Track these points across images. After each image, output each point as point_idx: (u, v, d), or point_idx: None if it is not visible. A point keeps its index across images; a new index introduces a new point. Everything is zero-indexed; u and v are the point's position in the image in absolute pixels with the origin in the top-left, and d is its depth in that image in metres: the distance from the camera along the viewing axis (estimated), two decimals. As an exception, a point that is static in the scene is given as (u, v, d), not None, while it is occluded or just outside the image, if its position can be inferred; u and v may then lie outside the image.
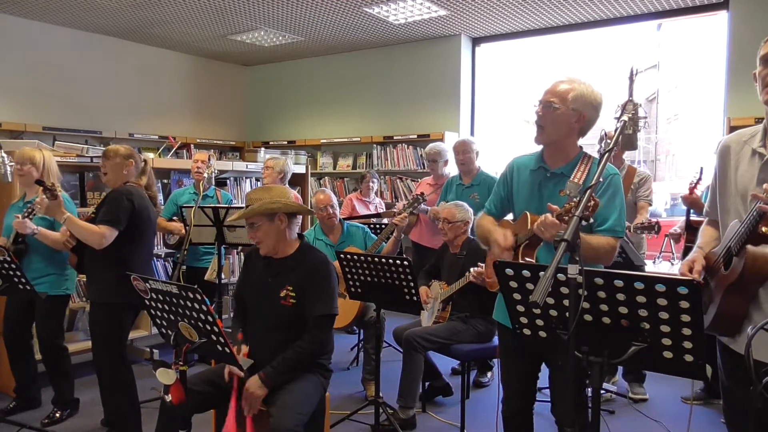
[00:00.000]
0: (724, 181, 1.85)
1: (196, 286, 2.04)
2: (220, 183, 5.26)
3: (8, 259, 2.91)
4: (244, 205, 2.66)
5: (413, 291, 3.02)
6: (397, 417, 3.39)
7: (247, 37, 6.63)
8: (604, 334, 1.58)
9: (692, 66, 23.74)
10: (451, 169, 4.88)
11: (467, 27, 6.23)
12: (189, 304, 2.09)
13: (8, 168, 3.63)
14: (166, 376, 2.09)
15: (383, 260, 3.01)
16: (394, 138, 6.83)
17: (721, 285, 1.74)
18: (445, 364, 4.08)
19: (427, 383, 3.78)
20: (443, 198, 4.46)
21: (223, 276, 4.17)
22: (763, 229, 1.62)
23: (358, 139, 7.14)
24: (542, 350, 2.12)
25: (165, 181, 4.99)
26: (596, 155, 2.15)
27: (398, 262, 2.98)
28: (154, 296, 2.21)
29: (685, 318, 1.46)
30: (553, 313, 1.67)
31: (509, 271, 1.68)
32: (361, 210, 5.66)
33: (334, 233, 4.09)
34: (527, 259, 2.12)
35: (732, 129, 4.57)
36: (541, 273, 1.46)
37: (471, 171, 4.43)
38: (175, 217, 4.48)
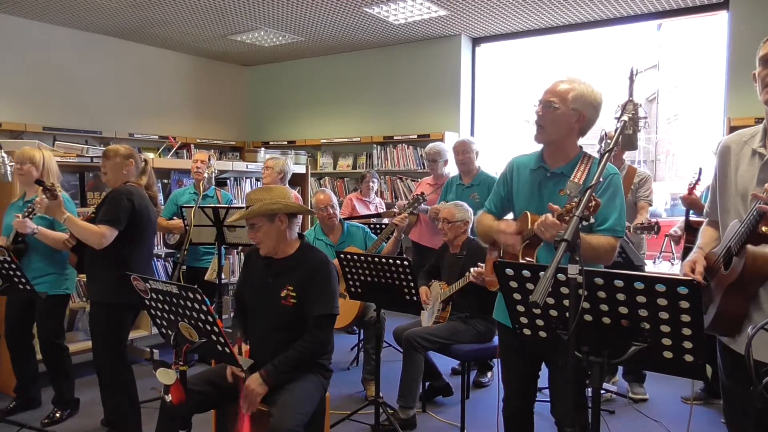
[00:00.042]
0: (724, 181, 1.85)
1: (196, 286, 2.05)
2: (220, 183, 5.26)
3: (8, 258, 2.91)
4: (244, 205, 2.66)
5: (413, 291, 3.02)
6: (397, 417, 3.39)
7: (247, 37, 6.63)
8: (604, 334, 1.58)
9: (692, 66, 23.74)
10: (451, 169, 4.88)
11: (467, 27, 6.23)
12: (189, 304, 2.09)
13: (8, 168, 3.64)
14: (166, 376, 2.09)
15: (383, 260, 3.01)
16: (394, 138, 6.83)
17: (721, 285, 1.74)
18: (445, 364, 4.08)
19: (427, 383, 3.78)
20: (443, 198, 4.46)
21: (223, 276, 4.17)
22: (763, 228, 1.62)
23: (358, 139, 7.14)
24: (542, 350, 2.12)
25: (165, 181, 4.99)
26: (596, 155, 2.15)
27: (398, 262, 2.98)
28: (154, 296, 2.21)
29: (685, 318, 1.46)
30: (553, 313, 1.67)
31: (509, 271, 1.68)
32: (361, 210, 5.66)
33: (335, 233, 4.09)
34: (527, 258, 2.12)
35: (732, 129, 4.57)
36: (541, 273, 1.46)
37: (471, 171, 4.43)
38: (175, 217, 4.48)
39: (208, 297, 2.38)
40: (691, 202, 3.79)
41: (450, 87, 6.61)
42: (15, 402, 3.59)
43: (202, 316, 2.09)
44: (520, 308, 1.73)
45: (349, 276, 3.16)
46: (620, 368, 4.07)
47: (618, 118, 1.83)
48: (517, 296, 1.71)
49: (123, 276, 2.44)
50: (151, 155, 5.33)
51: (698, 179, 3.80)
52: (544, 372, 2.33)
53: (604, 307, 1.56)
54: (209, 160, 4.42)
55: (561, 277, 1.54)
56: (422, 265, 4.01)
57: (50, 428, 3.38)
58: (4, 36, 5.88)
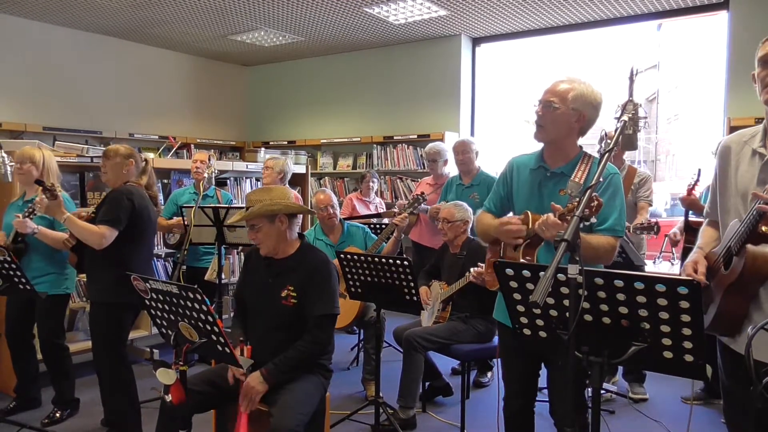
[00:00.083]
0: (725, 181, 1.85)
1: (196, 286, 2.05)
2: (220, 183, 5.26)
3: (8, 258, 2.91)
4: (244, 205, 2.66)
5: (413, 291, 3.02)
6: (397, 417, 3.39)
7: (247, 37, 6.63)
8: (604, 334, 1.58)
9: (692, 66, 23.73)
10: (451, 169, 4.88)
11: (467, 27, 6.23)
12: (189, 304, 2.09)
13: (8, 168, 3.64)
14: (166, 376, 2.09)
15: (383, 260, 3.01)
16: (394, 138, 6.83)
17: (721, 285, 1.74)
18: (445, 364, 4.08)
19: (427, 383, 3.78)
20: (443, 198, 4.46)
21: (223, 276, 4.17)
22: (763, 228, 1.62)
23: (358, 139, 7.14)
24: (542, 350, 2.12)
25: (165, 181, 4.99)
26: (596, 155, 2.15)
27: (398, 262, 2.98)
28: (154, 296, 2.21)
29: (685, 318, 1.46)
30: (553, 313, 1.67)
31: (509, 271, 1.68)
32: (361, 210, 5.66)
33: (335, 233, 4.09)
34: (527, 258, 2.12)
35: (732, 129, 4.57)
36: (541, 273, 1.46)
37: (471, 171, 4.43)
38: (175, 217, 4.48)
39: (208, 297, 2.39)
40: (690, 203, 3.79)
41: (450, 87, 6.61)
42: (15, 402, 3.59)
43: (202, 316, 2.09)
44: (520, 308, 1.73)
45: (349, 276, 3.16)
46: (620, 368, 4.07)
47: (618, 118, 1.83)
48: (517, 296, 1.71)
49: (123, 276, 2.44)
50: (151, 155, 5.32)
51: (697, 180, 3.81)
52: (544, 371, 2.33)
53: (604, 307, 1.56)
54: (209, 160, 4.42)
55: (561, 277, 1.54)
56: (422, 265, 4.01)
57: (50, 428, 3.38)
58: (4, 36, 5.88)
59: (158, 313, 2.26)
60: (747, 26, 4.90)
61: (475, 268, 3.22)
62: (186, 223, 3.99)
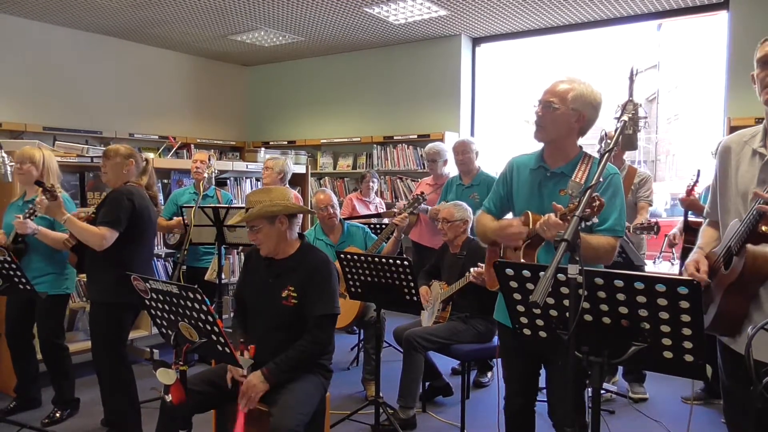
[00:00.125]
0: (725, 181, 1.85)
1: (196, 286, 2.05)
2: (220, 183, 5.26)
3: (8, 258, 2.91)
4: (243, 205, 2.66)
5: (413, 291, 3.02)
6: (398, 417, 3.39)
7: (247, 37, 6.63)
8: (604, 334, 1.58)
9: (692, 66, 23.73)
10: (451, 169, 4.89)
11: (467, 27, 6.23)
12: (189, 304, 2.09)
13: (8, 168, 3.64)
14: (166, 376, 2.09)
15: (383, 260, 3.01)
16: (394, 138, 6.83)
17: (722, 285, 1.74)
18: (445, 364, 4.08)
19: (427, 383, 3.78)
20: (443, 198, 4.46)
21: (223, 276, 4.17)
22: (763, 228, 1.62)
23: (358, 139, 7.14)
24: (542, 350, 2.12)
25: (165, 181, 5.00)
26: (596, 155, 2.15)
27: (398, 262, 2.98)
28: (155, 296, 2.21)
29: (685, 318, 1.46)
30: (554, 313, 1.67)
31: (509, 271, 1.68)
32: (362, 210, 5.66)
33: (335, 233, 4.09)
34: (528, 259, 2.12)
35: (732, 129, 4.57)
36: (541, 273, 1.46)
37: (471, 171, 4.43)
38: (175, 217, 4.48)
39: (208, 297, 2.38)
40: (689, 204, 3.79)
41: (450, 87, 6.61)
42: (15, 402, 3.59)
43: (202, 316, 2.09)
44: (520, 308, 1.73)
45: (349, 276, 3.16)
46: (620, 368, 4.07)
47: (618, 118, 1.83)
48: (517, 296, 1.71)
49: (123, 276, 2.44)
50: (151, 155, 5.33)
51: (696, 181, 3.81)
52: (544, 371, 2.33)
53: (604, 307, 1.56)
54: (209, 160, 4.42)
55: (561, 277, 1.54)
56: (422, 265, 4.01)
57: (50, 428, 3.38)
58: (4, 36, 5.88)
59: (158, 313, 2.26)
60: (747, 26, 4.90)
61: (475, 268, 3.22)
62: (186, 222, 3.99)
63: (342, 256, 3.13)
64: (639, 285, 1.47)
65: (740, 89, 4.86)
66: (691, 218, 3.85)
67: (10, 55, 5.94)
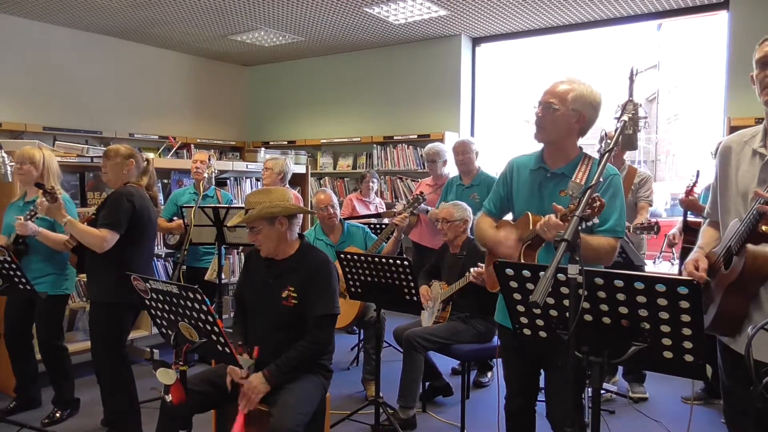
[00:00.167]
0: (725, 181, 1.85)
1: (196, 286, 2.05)
2: (220, 183, 5.26)
3: (8, 258, 2.91)
4: (243, 206, 2.66)
5: (413, 291, 3.02)
6: (398, 417, 3.39)
7: (247, 37, 6.63)
8: (604, 334, 1.58)
9: (692, 66, 23.74)
10: (451, 170, 4.88)
11: (467, 27, 6.23)
12: (189, 304, 2.09)
13: (8, 168, 3.64)
14: (166, 376, 2.09)
15: (383, 260, 3.01)
16: (394, 138, 6.83)
17: (722, 284, 1.74)
18: (445, 364, 4.08)
19: (427, 383, 3.78)
20: (443, 198, 4.46)
21: (223, 276, 4.17)
22: (763, 228, 1.62)
23: (358, 139, 7.14)
24: (542, 350, 2.12)
25: (165, 181, 5.00)
26: (596, 155, 2.15)
27: (398, 262, 2.98)
28: (155, 296, 2.21)
29: (685, 318, 1.46)
30: (554, 313, 1.67)
31: (509, 271, 1.68)
32: (361, 210, 5.66)
33: (335, 233, 4.09)
34: (528, 260, 2.12)
35: (732, 129, 4.57)
36: (541, 273, 1.46)
37: (471, 171, 4.43)
38: (175, 218, 4.48)
39: (208, 297, 2.38)
40: (689, 204, 3.80)
41: (450, 87, 6.61)
42: (15, 402, 3.59)
43: (202, 316, 2.09)
44: (521, 308, 1.73)
45: (349, 276, 3.16)
46: (620, 368, 4.07)
47: (618, 118, 1.83)
48: (517, 296, 1.71)
49: (123, 276, 2.44)
50: (151, 155, 5.33)
51: (696, 181, 3.81)
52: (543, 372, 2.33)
53: (604, 307, 1.56)
54: (209, 160, 4.42)
55: (561, 277, 1.54)
56: (423, 265, 4.01)
57: (50, 428, 3.38)
58: (4, 36, 5.88)
59: (158, 313, 2.26)
60: (747, 26, 4.90)
61: (475, 268, 3.22)
62: (186, 223, 3.99)
63: (342, 256, 3.13)
64: (639, 285, 1.47)
65: (740, 89, 4.86)
66: (691, 218, 3.86)
67: (10, 55, 5.94)
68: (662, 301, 1.46)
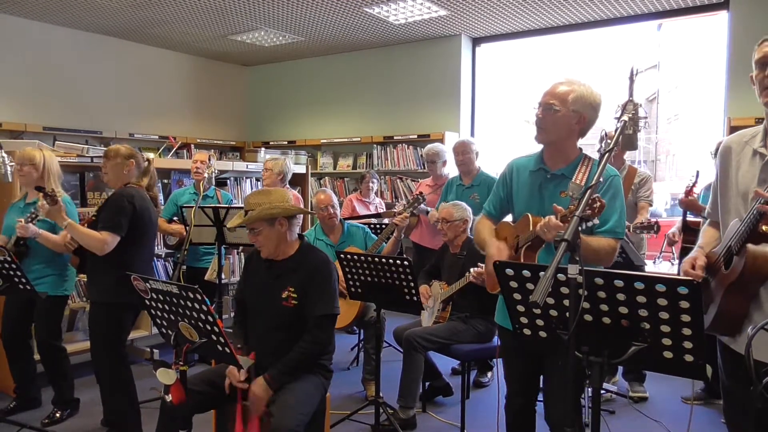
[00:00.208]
0: (726, 181, 1.85)
1: (196, 286, 2.05)
2: (221, 183, 5.26)
3: (8, 259, 2.91)
4: (243, 206, 2.66)
5: (413, 291, 3.02)
6: (398, 417, 3.39)
7: (247, 37, 6.63)
8: (604, 334, 1.58)
9: (692, 66, 23.75)
10: (451, 170, 4.88)
11: (467, 27, 6.23)
12: (189, 304, 2.09)
13: (8, 168, 3.64)
14: (166, 376, 2.10)
15: (383, 260, 3.01)
16: (394, 138, 6.83)
17: (722, 284, 1.74)
18: (445, 364, 4.08)
19: (427, 383, 3.78)
20: (443, 199, 4.45)
21: (223, 276, 4.17)
22: (764, 228, 1.62)
23: (358, 139, 7.14)
24: (542, 351, 2.12)
25: (165, 181, 5.00)
26: (596, 155, 2.16)
27: (398, 262, 2.98)
28: (155, 296, 2.21)
29: (686, 318, 1.46)
30: (554, 313, 1.67)
31: (509, 272, 1.68)
32: (361, 211, 5.65)
33: (335, 233, 4.08)
34: (528, 261, 2.12)
35: (732, 129, 4.57)
36: (541, 273, 1.46)
37: (471, 171, 4.43)
38: (175, 218, 4.48)
39: (208, 297, 2.39)
40: (688, 204, 3.80)
41: (450, 87, 6.61)
42: (15, 402, 3.59)
43: (203, 316, 2.09)
44: (521, 308, 1.73)
45: (349, 276, 3.16)
46: (620, 368, 4.07)
47: (618, 118, 1.83)
48: (517, 296, 1.71)
49: (123, 276, 2.44)
50: (151, 155, 5.32)
51: (695, 182, 3.81)
52: (543, 372, 2.33)
53: (604, 307, 1.56)
54: (209, 160, 4.42)
55: (561, 277, 1.54)
56: (423, 266, 4.01)
57: (50, 428, 3.38)
58: (4, 36, 5.88)
59: (158, 313, 2.26)
60: (747, 26, 4.90)
61: (475, 268, 3.22)
62: (186, 224, 3.99)
63: (342, 256, 3.13)
64: (639, 285, 1.47)
65: (740, 89, 4.86)
66: (690, 218, 3.86)
67: (10, 55, 5.94)
68: (662, 301, 1.46)
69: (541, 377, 2.32)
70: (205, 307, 2.06)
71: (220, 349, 2.16)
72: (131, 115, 6.94)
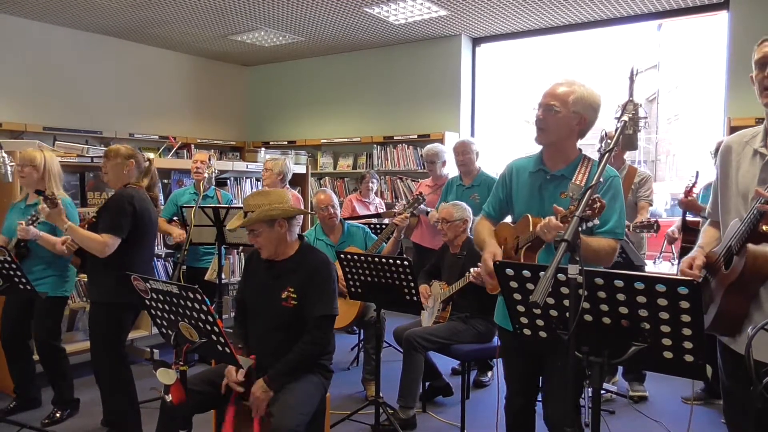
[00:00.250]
0: (726, 181, 1.85)
1: (196, 286, 2.05)
2: (221, 183, 5.26)
3: (9, 259, 2.91)
4: (243, 207, 2.66)
5: (413, 291, 3.02)
6: (398, 417, 3.39)
7: (247, 37, 6.63)
8: (604, 334, 1.58)
9: (692, 66, 23.76)
10: (450, 170, 4.88)
11: (467, 27, 6.23)
12: (189, 304, 2.09)
13: (8, 168, 3.63)
14: (166, 376, 2.10)
15: (383, 260, 3.01)
16: (394, 138, 6.83)
17: (722, 284, 1.74)
18: (445, 364, 4.08)
19: (427, 383, 3.78)
20: (443, 199, 4.45)
21: (223, 276, 4.17)
22: (764, 228, 1.62)
23: (359, 139, 7.14)
24: (542, 351, 2.12)
25: (165, 181, 4.99)
26: (596, 155, 2.16)
27: (398, 262, 2.98)
28: (155, 296, 2.21)
29: (686, 318, 1.46)
30: (554, 313, 1.67)
31: (509, 272, 1.68)
32: (361, 211, 5.65)
33: (335, 233, 4.08)
34: (528, 261, 2.12)
35: (732, 129, 4.57)
36: (542, 273, 1.46)
37: (471, 172, 4.43)
38: (175, 218, 4.48)
39: (209, 297, 2.39)
40: (688, 204, 3.79)
41: (450, 87, 6.61)
42: (15, 402, 3.59)
43: (203, 316, 2.09)
44: (521, 308, 1.73)
45: (349, 276, 3.16)
46: (620, 368, 4.07)
47: (618, 118, 1.83)
48: (517, 296, 1.71)
49: (124, 277, 2.44)
50: (151, 155, 5.32)
51: (695, 182, 3.81)
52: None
53: (605, 307, 1.56)
54: (209, 160, 4.42)
55: (561, 277, 1.54)
56: (423, 266, 4.01)
57: (50, 428, 3.38)
58: (4, 36, 5.88)
59: (158, 313, 2.26)
60: (747, 26, 4.90)
61: (475, 269, 3.21)
62: (186, 224, 3.99)
63: (342, 256, 3.13)
64: (639, 285, 1.47)
65: (740, 89, 4.86)
66: (689, 218, 3.85)
67: (10, 55, 5.94)
68: (662, 301, 1.46)
69: (541, 377, 2.32)
70: (205, 307, 2.06)
71: (220, 349, 2.16)
72: (131, 115, 6.94)
